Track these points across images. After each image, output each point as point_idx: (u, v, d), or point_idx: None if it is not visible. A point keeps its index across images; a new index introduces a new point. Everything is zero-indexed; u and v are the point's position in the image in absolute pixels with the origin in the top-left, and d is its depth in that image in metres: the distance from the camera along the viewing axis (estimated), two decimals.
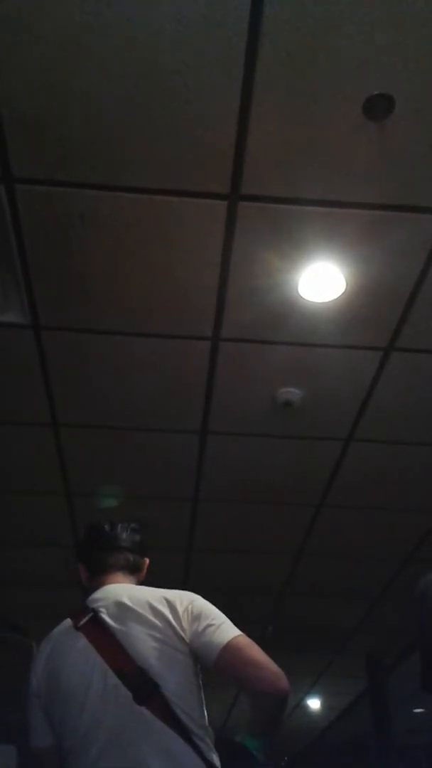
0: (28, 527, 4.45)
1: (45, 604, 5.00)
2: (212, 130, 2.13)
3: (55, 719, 1.69)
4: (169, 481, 3.98)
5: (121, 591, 1.78)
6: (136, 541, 1.95)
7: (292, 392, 3.25)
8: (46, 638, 1.82)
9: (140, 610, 1.69)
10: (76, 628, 1.73)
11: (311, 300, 2.73)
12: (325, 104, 2.06)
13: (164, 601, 1.70)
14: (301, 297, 2.72)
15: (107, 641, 1.67)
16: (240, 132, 2.13)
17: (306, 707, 8.74)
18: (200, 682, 1.68)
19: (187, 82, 2.00)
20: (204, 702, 1.68)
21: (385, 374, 3.15)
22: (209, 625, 1.65)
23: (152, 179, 2.27)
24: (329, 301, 2.74)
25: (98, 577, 1.87)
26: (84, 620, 1.73)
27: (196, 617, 1.67)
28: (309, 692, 8.17)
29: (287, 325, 2.86)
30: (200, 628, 1.65)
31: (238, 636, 1.63)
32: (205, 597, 1.75)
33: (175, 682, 1.61)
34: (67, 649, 1.72)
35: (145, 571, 1.95)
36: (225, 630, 1.64)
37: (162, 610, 1.68)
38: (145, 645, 1.64)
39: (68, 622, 1.78)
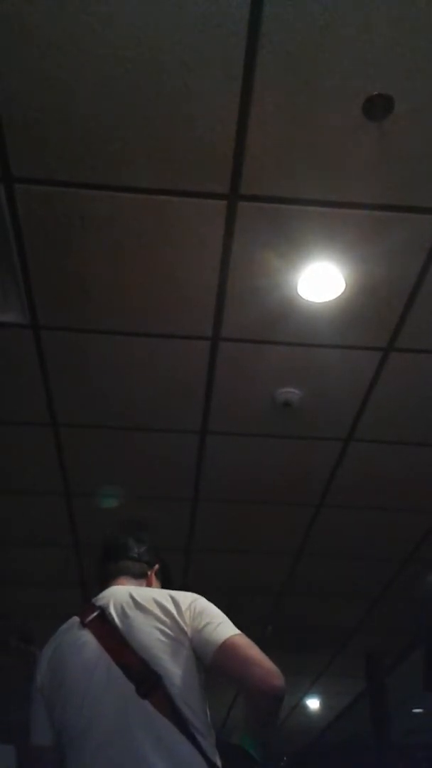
0: (28, 527, 4.45)
1: (45, 604, 5.01)
2: (212, 130, 2.13)
3: (56, 712, 1.70)
4: (168, 481, 3.98)
5: (128, 590, 1.81)
6: (142, 551, 1.99)
7: (291, 392, 3.25)
8: (53, 636, 1.84)
9: (146, 605, 1.72)
10: (83, 624, 1.75)
11: (311, 300, 2.73)
12: (325, 104, 2.06)
13: (169, 598, 1.73)
14: (301, 297, 2.72)
15: (113, 637, 1.69)
16: (240, 132, 2.13)
17: (305, 707, 8.73)
18: (203, 678, 1.69)
19: (187, 82, 2.00)
20: (206, 700, 1.68)
21: (385, 374, 3.15)
22: (208, 624, 1.67)
23: (152, 179, 2.27)
24: (329, 301, 2.74)
25: (105, 582, 1.92)
26: (91, 617, 1.75)
27: (198, 614, 1.69)
28: (308, 692, 8.17)
29: (287, 325, 2.86)
30: (200, 626, 1.67)
31: (236, 635, 1.64)
32: (204, 597, 1.77)
33: (180, 676, 1.62)
34: (72, 644, 1.75)
35: (153, 576, 1.98)
36: (223, 628, 1.66)
37: (167, 606, 1.71)
38: (150, 638, 1.66)
39: (75, 619, 1.80)
